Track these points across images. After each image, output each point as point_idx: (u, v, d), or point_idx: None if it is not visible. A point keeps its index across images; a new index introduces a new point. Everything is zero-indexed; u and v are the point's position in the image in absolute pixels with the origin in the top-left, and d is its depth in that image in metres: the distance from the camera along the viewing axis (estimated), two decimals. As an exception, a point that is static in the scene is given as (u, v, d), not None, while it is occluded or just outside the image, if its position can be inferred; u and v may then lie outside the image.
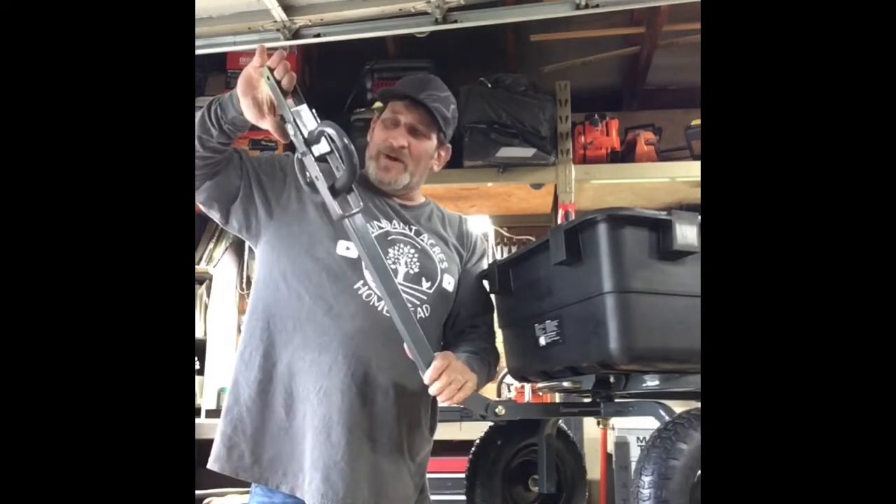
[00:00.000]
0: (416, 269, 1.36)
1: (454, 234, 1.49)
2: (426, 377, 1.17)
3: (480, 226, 3.22)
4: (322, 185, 1.15)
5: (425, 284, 1.36)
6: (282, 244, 1.35)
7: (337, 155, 1.14)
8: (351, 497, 1.22)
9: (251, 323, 1.34)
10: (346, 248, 1.31)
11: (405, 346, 1.18)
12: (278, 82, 1.15)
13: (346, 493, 1.22)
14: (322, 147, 1.14)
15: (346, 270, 1.30)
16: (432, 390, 1.18)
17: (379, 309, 1.29)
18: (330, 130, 1.13)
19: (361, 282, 1.30)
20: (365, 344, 1.28)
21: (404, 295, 1.25)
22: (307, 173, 1.17)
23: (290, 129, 1.16)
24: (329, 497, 1.21)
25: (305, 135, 1.15)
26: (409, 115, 1.39)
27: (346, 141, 1.13)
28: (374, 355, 1.28)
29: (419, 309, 1.34)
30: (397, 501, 1.29)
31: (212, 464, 1.30)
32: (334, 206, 1.15)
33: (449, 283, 1.40)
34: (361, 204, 1.17)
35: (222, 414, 1.32)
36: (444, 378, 1.17)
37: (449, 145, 1.50)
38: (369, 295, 1.30)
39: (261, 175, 1.36)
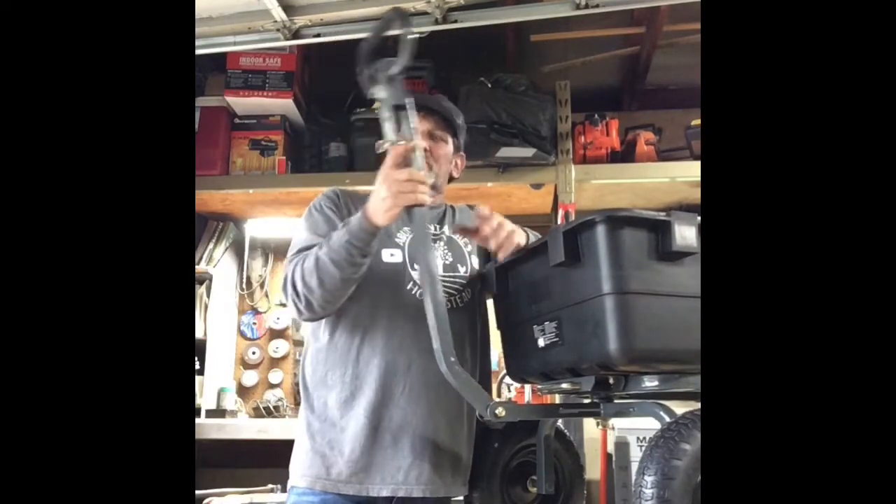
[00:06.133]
0: (451, 259, 1.48)
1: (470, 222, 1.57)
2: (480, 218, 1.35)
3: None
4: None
5: (461, 270, 1.48)
6: None
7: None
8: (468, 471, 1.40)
9: (332, 348, 1.40)
10: (391, 255, 1.42)
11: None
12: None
13: (467, 469, 1.39)
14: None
15: (395, 275, 1.40)
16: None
17: None
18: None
19: (411, 283, 1.40)
20: (428, 337, 1.37)
21: (446, 284, 1.41)
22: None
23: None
24: (447, 477, 1.34)
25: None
26: (425, 124, 1.49)
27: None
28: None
29: (463, 293, 1.45)
30: None
31: (298, 480, 1.35)
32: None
33: (477, 264, 1.51)
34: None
35: (306, 432, 1.37)
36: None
37: (463, 153, 1.61)
38: (422, 294, 1.39)
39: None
